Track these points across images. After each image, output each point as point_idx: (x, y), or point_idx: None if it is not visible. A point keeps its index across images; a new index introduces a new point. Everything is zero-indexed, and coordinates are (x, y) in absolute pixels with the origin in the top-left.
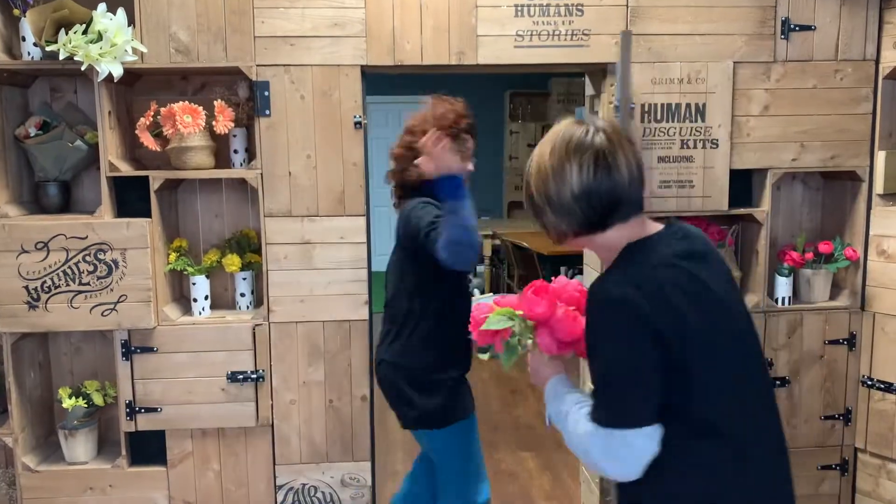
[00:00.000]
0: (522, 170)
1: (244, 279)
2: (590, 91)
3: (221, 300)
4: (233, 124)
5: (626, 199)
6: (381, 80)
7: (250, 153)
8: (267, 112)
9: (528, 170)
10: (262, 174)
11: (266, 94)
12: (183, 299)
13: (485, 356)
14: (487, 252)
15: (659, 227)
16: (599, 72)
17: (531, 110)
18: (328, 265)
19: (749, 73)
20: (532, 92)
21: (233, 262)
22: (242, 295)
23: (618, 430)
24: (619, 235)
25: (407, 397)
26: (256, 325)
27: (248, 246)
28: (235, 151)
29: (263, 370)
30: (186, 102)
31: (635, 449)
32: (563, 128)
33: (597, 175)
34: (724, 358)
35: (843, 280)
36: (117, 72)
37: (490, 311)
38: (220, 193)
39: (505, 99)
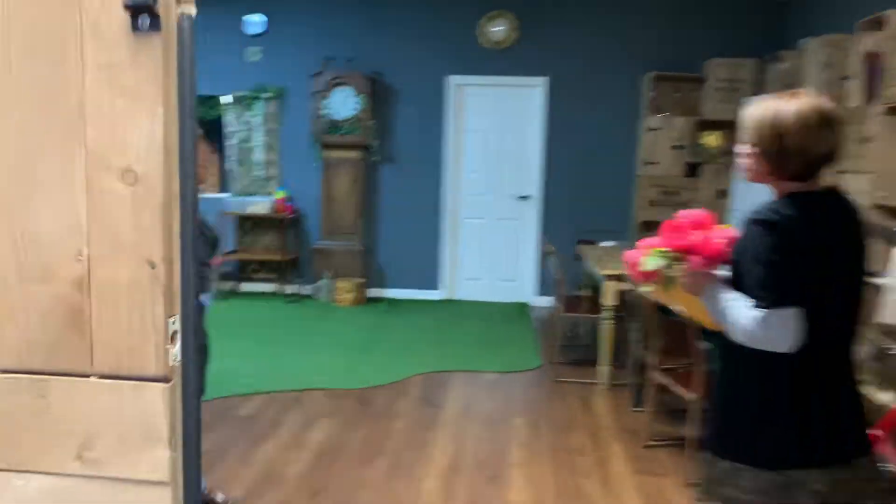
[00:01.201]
0: (661, 179)
1: None
2: None
3: None
4: None
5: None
6: (477, 57)
7: None
8: None
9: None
10: None
11: None
12: None
13: (648, 288)
14: (612, 301)
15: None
16: None
17: (680, 100)
18: None
19: None
20: (682, 76)
21: None
22: None
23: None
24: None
25: None
26: None
27: None
28: None
29: None
30: None
31: None
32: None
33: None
34: None
35: None
36: None
37: (639, 254)
38: None
39: (644, 84)
